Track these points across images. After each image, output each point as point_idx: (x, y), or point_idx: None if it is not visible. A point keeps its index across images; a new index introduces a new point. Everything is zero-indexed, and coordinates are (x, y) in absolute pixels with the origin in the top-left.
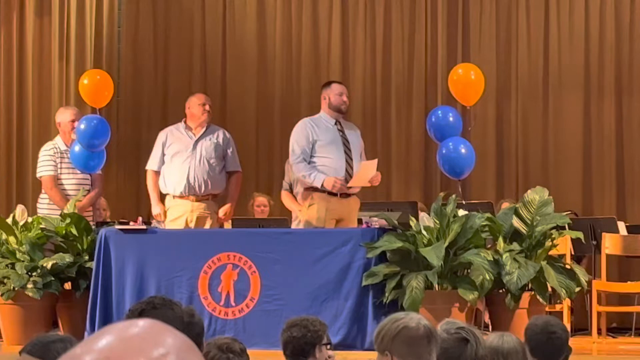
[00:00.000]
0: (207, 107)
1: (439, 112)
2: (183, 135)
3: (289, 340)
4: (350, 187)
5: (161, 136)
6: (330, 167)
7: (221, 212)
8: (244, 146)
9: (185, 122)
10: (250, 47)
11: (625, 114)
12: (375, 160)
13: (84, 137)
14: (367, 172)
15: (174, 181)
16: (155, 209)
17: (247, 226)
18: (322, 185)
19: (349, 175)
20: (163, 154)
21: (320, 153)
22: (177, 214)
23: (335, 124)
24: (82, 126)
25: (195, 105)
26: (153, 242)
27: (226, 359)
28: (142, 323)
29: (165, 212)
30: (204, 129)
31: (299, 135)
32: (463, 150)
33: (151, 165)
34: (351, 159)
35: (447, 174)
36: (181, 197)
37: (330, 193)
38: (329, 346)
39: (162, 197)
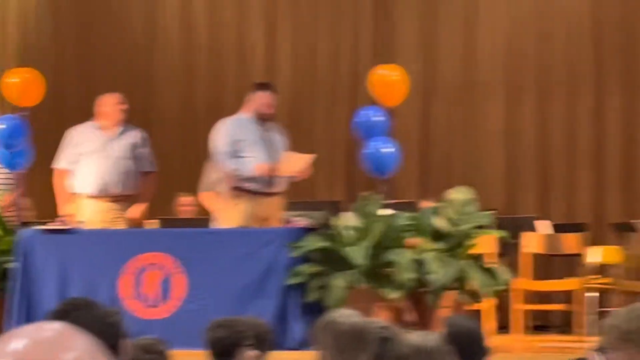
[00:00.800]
0: (122, 107)
1: (366, 111)
2: (94, 134)
3: (213, 341)
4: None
5: (69, 134)
6: None
7: (132, 212)
8: (169, 145)
9: (95, 122)
10: (175, 44)
11: (547, 114)
12: (312, 156)
13: (1, 137)
14: (297, 163)
15: (85, 181)
16: (64, 209)
17: (171, 226)
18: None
19: None
20: (72, 153)
21: (245, 152)
22: (88, 214)
23: (258, 123)
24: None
25: (110, 104)
26: (76, 242)
27: None
28: (53, 326)
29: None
30: (119, 128)
31: (223, 134)
32: (387, 150)
33: (59, 163)
34: (276, 158)
35: (371, 173)
36: (93, 197)
37: (256, 193)
38: (252, 346)
39: (72, 197)
